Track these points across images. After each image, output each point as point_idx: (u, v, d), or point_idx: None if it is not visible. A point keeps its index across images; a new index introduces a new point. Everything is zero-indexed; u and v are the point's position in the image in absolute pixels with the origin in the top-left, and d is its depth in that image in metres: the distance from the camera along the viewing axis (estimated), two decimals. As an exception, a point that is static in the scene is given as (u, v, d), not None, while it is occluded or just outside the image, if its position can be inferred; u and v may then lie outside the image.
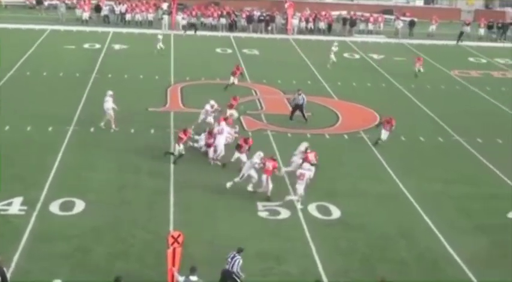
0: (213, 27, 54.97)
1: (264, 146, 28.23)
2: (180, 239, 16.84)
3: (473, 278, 18.97)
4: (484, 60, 49.00)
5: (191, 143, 27.26)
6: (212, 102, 29.60)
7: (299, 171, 23.45)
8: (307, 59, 45.90)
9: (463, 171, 26.99)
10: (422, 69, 41.73)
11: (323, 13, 57.83)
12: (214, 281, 17.35)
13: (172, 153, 26.09)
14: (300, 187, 22.86)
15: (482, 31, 57.48)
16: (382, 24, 58.87)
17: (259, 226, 21.58)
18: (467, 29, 57.10)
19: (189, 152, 26.57)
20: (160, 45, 44.43)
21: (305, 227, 21.65)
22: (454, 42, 54.84)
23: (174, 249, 16.79)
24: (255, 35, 53.73)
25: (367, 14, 59.10)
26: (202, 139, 27.16)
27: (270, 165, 23.55)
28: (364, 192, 24.45)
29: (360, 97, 36.45)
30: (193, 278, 16.11)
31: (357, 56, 48.52)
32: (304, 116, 31.90)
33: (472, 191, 24.97)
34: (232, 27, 54.92)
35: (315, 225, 21.76)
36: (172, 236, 16.93)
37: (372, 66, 45.44)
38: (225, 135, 26.82)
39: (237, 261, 17.21)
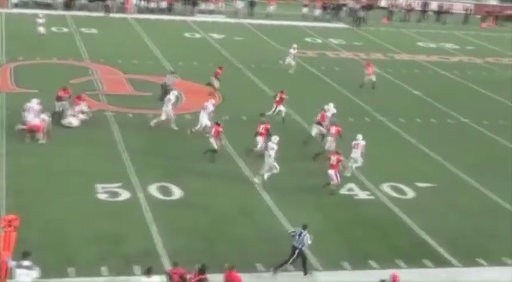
0: (48, 6, 52.89)
1: (105, 127, 27.83)
2: (15, 223, 16.13)
3: (310, 254, 19.36)
4: (319, 41, 50.54)
5: (18, 126, 26.11)
6: (174, 94, 29.14)
7: (354, 142, 25.22)
8: (148, 38, 45.35)
9: (301, 149, 27.62)
10: (374, 79, 36.80)
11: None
12: (48, 265, 16.88)
13: (215, 150, 25.42)
14: (356, 154, 24.93)
15: (318, 12, 59.34)
16: (223, 4, 59.26)
17: (97, 208, 21.13)
18: (306, 9, 58.90)
19: (20, 135, 25.64)
20: (41, 29, 42.03)
21: (146, 208, 21.44)
22: (292, 23, 56.10)
23: (7, 233, 16.06)
24: (93, 14, 52.32)
25: (208, -6, 59.26)
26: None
27: (334, 159, 23.63)
28: (205, 172, 24.48)
29: (202, 77, 36.42)
30: (26, 262, 15.52)
31: (198, 36, 48.58)
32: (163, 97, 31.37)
33: (310, 168, 25.63)
34: (69, 5, 53.13)
35: (156, 206, 21.60)
36: (6, 219, 16.18)
37: (212, 46, 45.64)
38: (207, 111, 27.74)
39: (306, 236, 18.29)
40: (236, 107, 31.60)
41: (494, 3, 69.71)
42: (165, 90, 30.97)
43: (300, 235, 18.40)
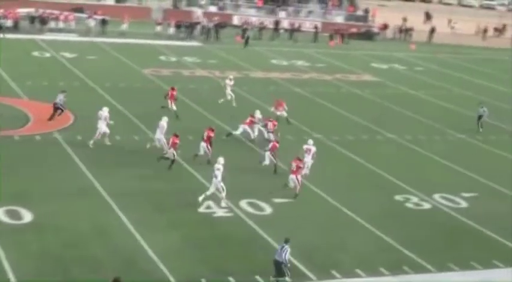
0: None
1: None
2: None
3: (167, 273, 19.25)
4: (174, 59, 50.46)
5: None
6: (106, 109, 29.62)
7: (306, 147, 27.55)
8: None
9: (157, 167, 27.34)
10: (285, 114, 35.05)
11: (8, 11, 55.16)
12: None
13: (167, 158, 27.17)
14: (308, 159, 27.16)
15: (171, 30, 59.27)
16: (73, 23, 58.01)
17: None
18: (159, 28, 58.80)
19: None
20: None
21: (-8, 233, 20.44)
22: (146, 41, 55.72)
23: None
24: None
25: (57, 12, 57.74)
26: None
27: (294, 165, 25.39)
28: (58, 193, 23.81)
29: (53, 97, 35.23)
30: None
31: (48, 55, 47.23)
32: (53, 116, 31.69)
33: (166, 187, 25.47)
34: None
35: (3, 231, 20.62)
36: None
37: (64, 65, 44.50)
38: (161, 127, 28.65)
39: (286, 251, 18.54)
40: (90, 127, 30.88)
41: (341, 21, 72.53)
42: (56, 108, 31.48)
43: (281, 249, 18.66)
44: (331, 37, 65.83)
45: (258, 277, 19.46)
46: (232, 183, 25.82)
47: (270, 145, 28.32)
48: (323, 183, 27.21)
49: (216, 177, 23.99)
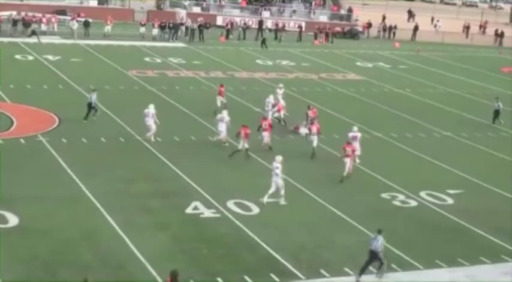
0: None
1: None
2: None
3: (156, 275, 19.16)
4: (158, 60, 50.35)
5: None
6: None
7: (352, 134, 29.61)
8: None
9: (143, 169, 27.30)
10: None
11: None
12: None
13: (239, 151, 28.82)
14: (356, 145, 29.18)
15: (155, 31, 59.11)
16: (56, 25, 57.75)
17: None
18: (143, 29, 58.62)
19: None
20: None
21: (-21, 238, 20.27)
22: (130, 43, 55.58)
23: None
24: None
25: (39, 15, 57.44)
26: None
27: (349, 150, 27.78)
28: (44, 197, 23.63)
29: (36, 100, 35.24)
30: None
31: (31, 58, 46.95)
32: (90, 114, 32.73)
33: (153, 189, 25.38)
34: None
35: (-11, 235, 20.49)
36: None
37: (48, 68, 44.26)
38: (225, 121, 30.25)
39: (379, 241, 19.45)
40: (76, 129, 30.82)
41: (325, 20, 72.66)
42: (90, 108, 32.50)
43: (375, 239, 19.56)
44: (315, 36, 65.93)
45: (246, 277, 19.43)
46: (218, 184, 25.86)
47: (315, 129, 30.34)
48: (310, 182, 27.20)
49: (277, 175, 24.53)
